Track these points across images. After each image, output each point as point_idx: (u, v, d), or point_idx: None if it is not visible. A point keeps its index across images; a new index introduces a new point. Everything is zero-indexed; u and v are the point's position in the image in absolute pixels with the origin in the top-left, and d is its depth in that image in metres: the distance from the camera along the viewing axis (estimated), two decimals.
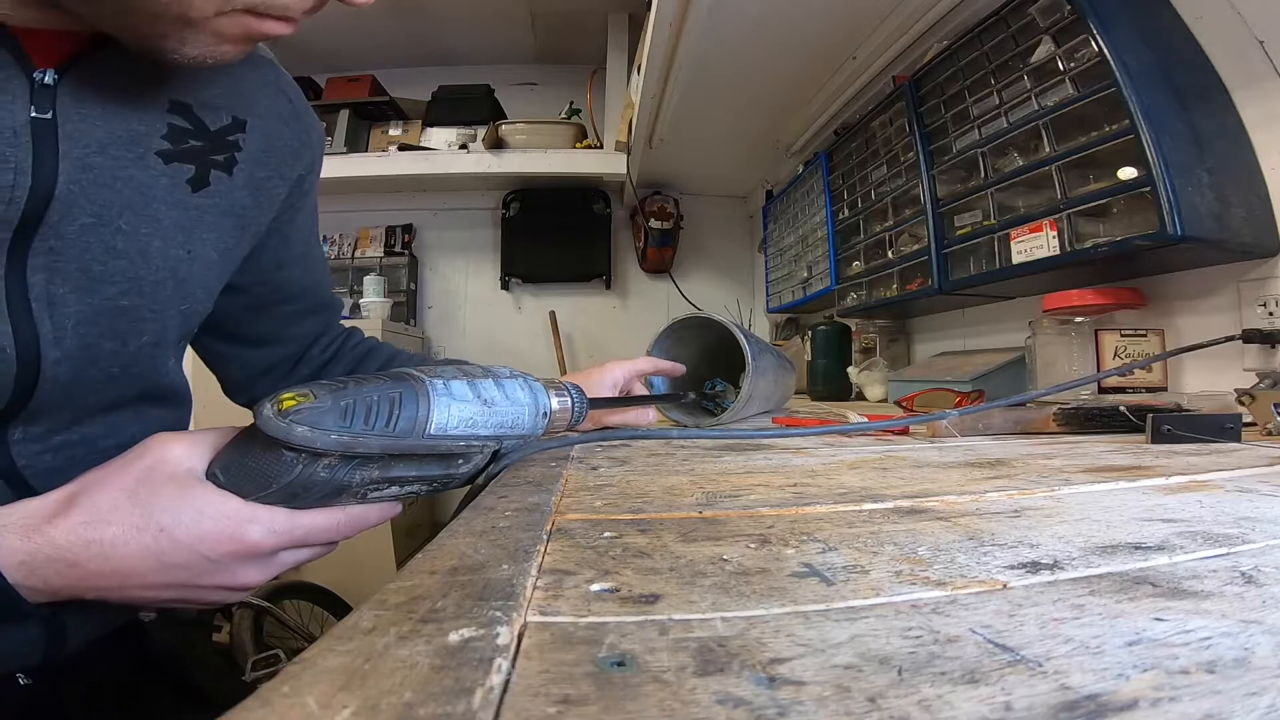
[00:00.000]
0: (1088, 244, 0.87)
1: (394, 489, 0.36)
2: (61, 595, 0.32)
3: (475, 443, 0.37)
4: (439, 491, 0.39)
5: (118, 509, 0.31)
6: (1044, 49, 0.92)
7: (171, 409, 0.51)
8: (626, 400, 0.69)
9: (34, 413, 0.41)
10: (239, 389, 0.63)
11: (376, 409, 0.33)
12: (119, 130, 0.40)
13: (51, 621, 0.41)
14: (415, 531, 2.14)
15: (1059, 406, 0.65)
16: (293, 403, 0.32)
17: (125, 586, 0.32)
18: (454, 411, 0.36)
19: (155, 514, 0.32)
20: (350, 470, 0.34)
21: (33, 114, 0.36)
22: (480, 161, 2.24)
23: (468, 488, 0.40)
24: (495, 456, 0.40)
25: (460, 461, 0.37)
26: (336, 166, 2.24)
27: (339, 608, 1.72)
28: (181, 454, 0.33)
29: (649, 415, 0.67)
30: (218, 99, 0.45)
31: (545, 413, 0.42)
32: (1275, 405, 0.57)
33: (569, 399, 0.46)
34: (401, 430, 0.34)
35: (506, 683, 0.14)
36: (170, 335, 0.46)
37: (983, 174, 1.06)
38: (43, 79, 0.36)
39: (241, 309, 0.56)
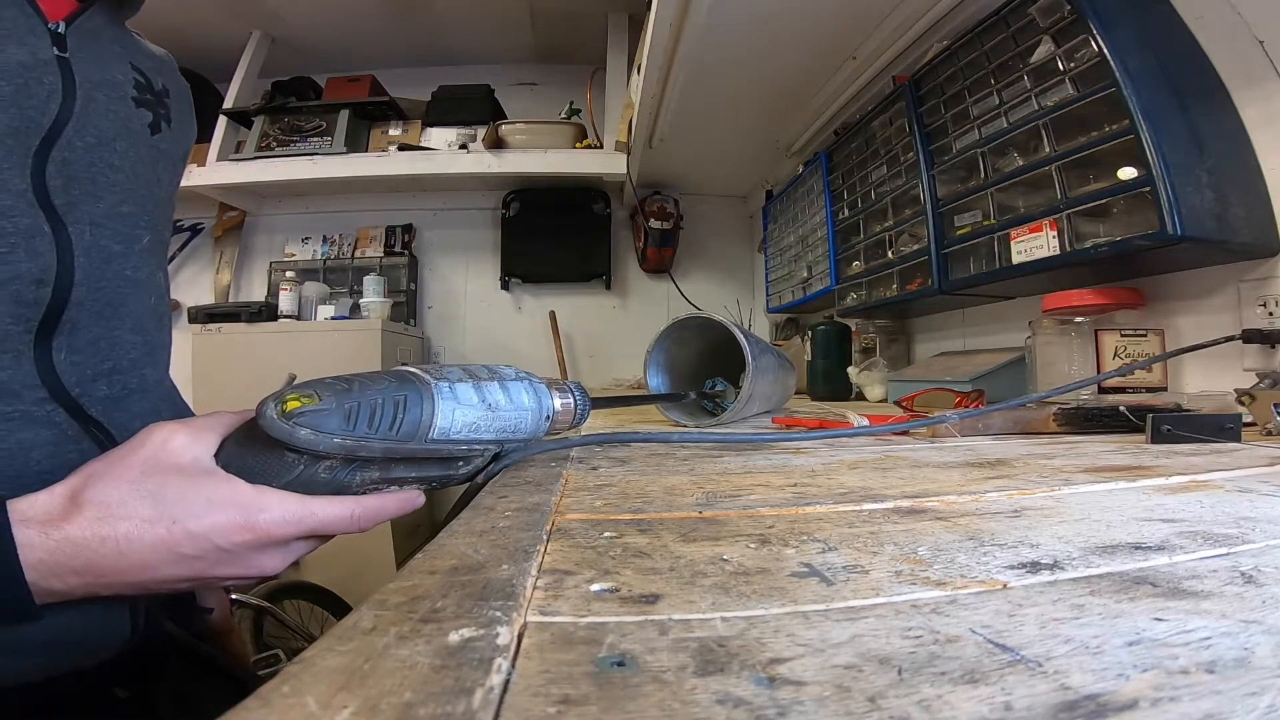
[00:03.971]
0: (1088, 244, 0.87)
1: (392, 489, 0.36)
2: (75, 594, 0.31)
3: (477, 447, 0.37)
4: (435, 490, 0.39)
5: (126, 503, 0.31)
6: (1044, 49, 0.92)
7: (167, 332, 0.57)
8: (630, 399, 0.70)
9: (73, 321, 0.44)
10: None
11: (381, 412, 0.33)
12: (107, 75, 0.48)
13: (134, 604, 0.43)
14: (415, 531, 2.13)
15: (1059, 406, 0.65)
16: (297, 404, 0.32)
17: (141, 581, 0.32)
18: (458, 416, 0.36)
19: (166, 505, 0.31)
20: (351, 472, 0.34)
21: (55, 53, 0.44)
22: (480, 161, 2.24)
23: (464, 486, 0.40)
24: (495, 458, 0.40)
25: (460, 464, 0.38)
26: (336, 166, 2.24)
27: (339, 608, 1.72)
28: (185, 443, 0.33)
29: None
30: (153, 70, 0.54)
31: (549, 415, 0.42)
32: (1275, 405, 0.57)
33: (572, 400, 0.46)
34: (404, 434, 0.34)
35: (506, 683, 0.14)
36: (157, 249, 0.52)
37: (983, 174, 1.06)
38: (56, 28, 0.45)
39: None
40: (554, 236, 2.50)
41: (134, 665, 0.45)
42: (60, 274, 0.43)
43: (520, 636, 0.16)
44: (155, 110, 0.53)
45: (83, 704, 0.43)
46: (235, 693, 0.14)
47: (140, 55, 0.54)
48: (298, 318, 2.27)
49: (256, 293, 2.49)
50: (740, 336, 0.69)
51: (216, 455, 0.34)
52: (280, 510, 0.33)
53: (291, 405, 0.31)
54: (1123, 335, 0.90)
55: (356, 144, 2.32)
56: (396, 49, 2.49)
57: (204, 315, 2.18)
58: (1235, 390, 0.63)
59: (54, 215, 0.43)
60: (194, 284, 2.51)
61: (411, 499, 0.37)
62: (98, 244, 0.46)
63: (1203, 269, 0.91)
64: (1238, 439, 0.53)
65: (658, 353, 0.76)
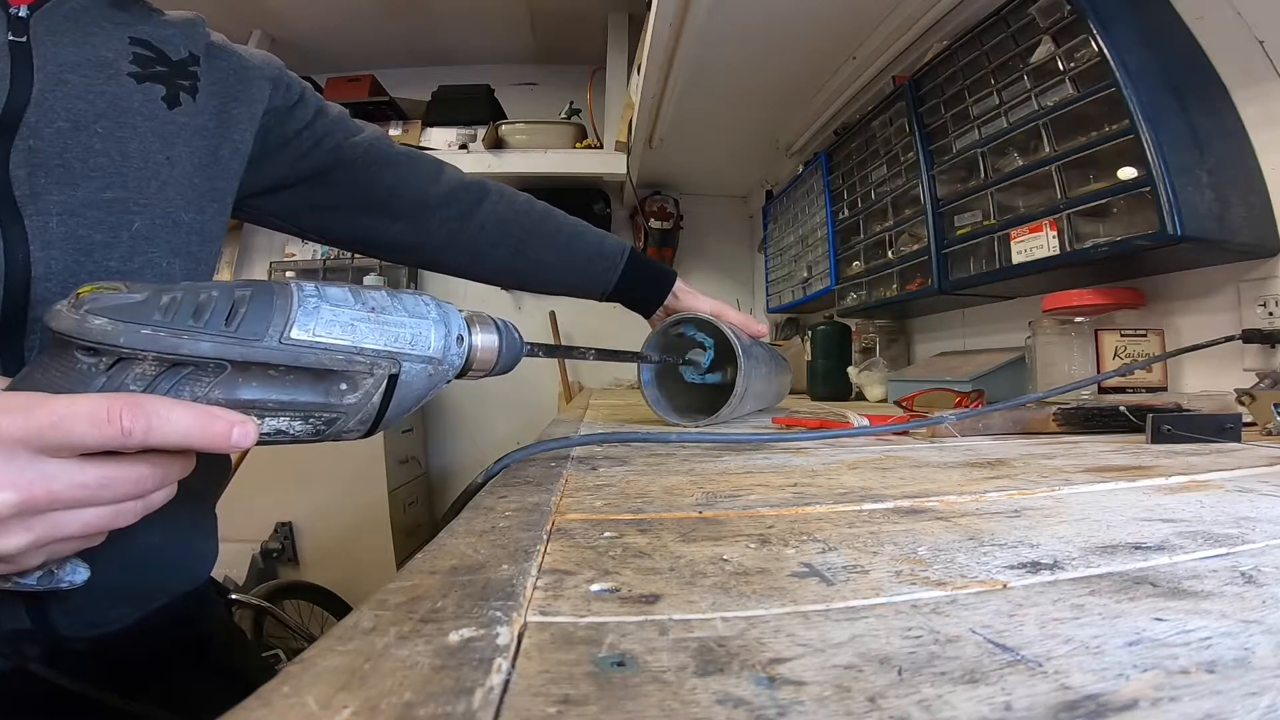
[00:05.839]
0: (1088, 244, 0.86)
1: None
2: None
3: (359, 359, 0.28)
4: (323, 434, 0.30)
5: None
6: (1044, 49, 0.92)
7: None
8: (615, 353, 0.65)
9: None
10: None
11: (214, 306, 0.25)
12: (89, 55, 0.45)
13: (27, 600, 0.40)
14: (415, 531, 2.14)
15: (1059, 406, 0.65)
16: (93, 290, 0.25)
17: None
18: (325, 314, 0.27)
19: None
20: (176, 387, 0.25)
21: (10, 38, 0.42)
22: (480, 161, 2.23)
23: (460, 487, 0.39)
24: (393, 385, 0.30)
25: (343, 387, 0.28)
26: None
27: (339, 608, 1.72)
28: None
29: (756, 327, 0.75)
30: (173, 38, 0.51)
31: (460, 336, 0.34)
32: (1275, 405, 0.57)
33: (496, 335, 0.37)
34: (247, 331, 0.26)
35: (506, 683, 0.14)
36: (162, 235, 0.48)
37: (983, 174, 1.06)
38: (17, 13, 0.43)
39: (355, 186, 0.66)
40: None
41: (127, 665, 0.44)
42: (11, 270, 0.40)
43: (520, 636, 0.16)
44: (171, 82, 0.49)
45: (66, 704, 0.42)
46: (238, 691, 0.14)
47: (151, 27, 0.50)
48: None
49: None
50: (730, 335, 0.69)
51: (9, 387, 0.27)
52: None
53: (85, 291, 0.25)
54: (1123, 335, 0.90)
55: None
56: (396, 49, 2.49)
57: None
58: (1235, 390, 0.63)
59: (9, 208, 0.40)
60: None
61: (226, 420, 0.26)
62: (74, 234, 0.42)
63: (1203, 269, 0.91)
64: (1238, 439, 0.53)
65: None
